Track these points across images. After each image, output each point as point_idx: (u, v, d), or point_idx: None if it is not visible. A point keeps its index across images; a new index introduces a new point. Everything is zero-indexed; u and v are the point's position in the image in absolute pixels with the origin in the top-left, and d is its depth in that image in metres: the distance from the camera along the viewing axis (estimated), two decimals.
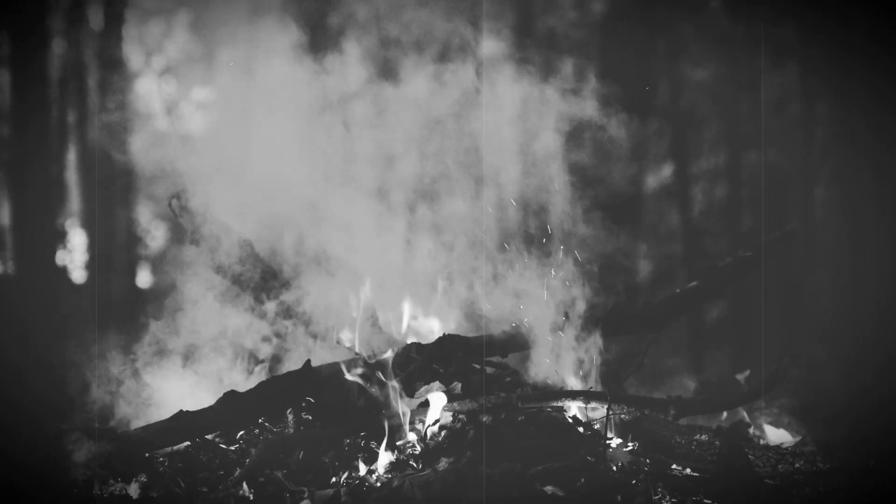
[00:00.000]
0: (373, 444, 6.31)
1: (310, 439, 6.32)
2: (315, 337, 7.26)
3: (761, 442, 7.25)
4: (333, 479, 6.08)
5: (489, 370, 7.04)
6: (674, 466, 6.23)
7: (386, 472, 6.10)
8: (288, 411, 6.54)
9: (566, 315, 7.17)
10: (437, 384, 6.73)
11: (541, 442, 6.19)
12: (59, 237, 13.33)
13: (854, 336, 12.15)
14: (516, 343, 7.12)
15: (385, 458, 6.19)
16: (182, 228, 7.51)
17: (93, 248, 13.39)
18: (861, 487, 6.20)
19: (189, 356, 7.31)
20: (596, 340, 7.24)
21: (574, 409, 6.64)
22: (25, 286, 12.81)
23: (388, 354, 6.77)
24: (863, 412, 8.48)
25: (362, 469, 6.13)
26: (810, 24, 12.92)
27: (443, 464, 5.96)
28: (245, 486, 5.96)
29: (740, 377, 7.67)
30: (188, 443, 6.48)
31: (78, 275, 13.34)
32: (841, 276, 12.97)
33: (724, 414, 7.65)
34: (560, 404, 6.60)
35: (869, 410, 8.53)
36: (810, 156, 13.66)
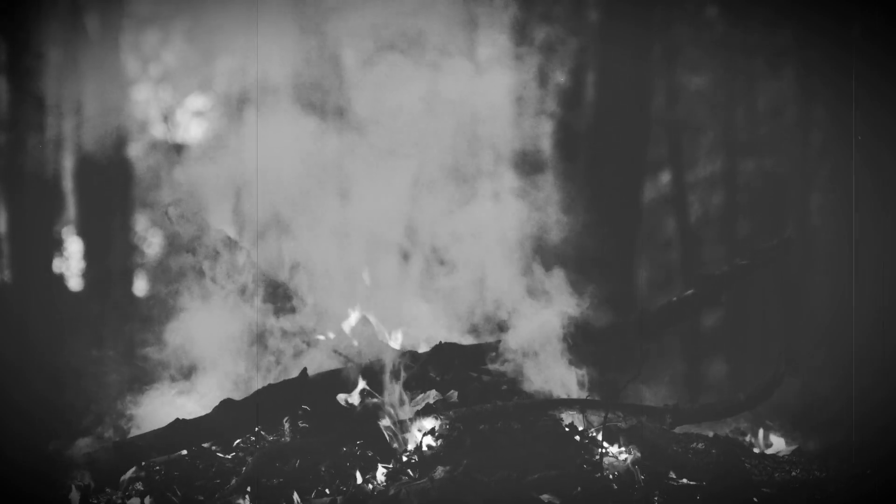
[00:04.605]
0: (369, 453, 6.31)
1: (306, 448, 6.32)
2: (312, 345, 7.27)
3: (757, 450, 7.24)
4: (329, 489, 6.08)
5: (486, 378, 7.04)
6: (671, 475, 6.24)
7: (382, 481, 6.10)
8: (284, 419, 6.54)
9: (564, 323, 7.18)
10: (433, 392, 6.74)
11: (537, 450, 6.19)
12: (56, 245, 13.31)
13: (851, 341, 12.14)
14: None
15: (381, 466, 6.19)
16: (178, 237, 7.51)
17: (89, 255, 13.38)
18: (857, 494, 6.20)
19: (186, 363, 7.31)
20: (593, 348, 7.25)
21: (571, 417, 6.64)
22: (22, 294, 12.79)
23: (386, 362, 6.79)
24: (859, 418, 8.49)
25: (359, 477, 6.13)
26: (808, 24, 12.92)
27: (439, 472, 5.96)
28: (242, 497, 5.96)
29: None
30: (185, 451, 6.47)
31: (74, 282, 13.32)
32: (839, 280, 12.96)
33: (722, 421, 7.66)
34: (557, 412, 6.60)
35: (865, 416, 8.54)
36: (808, 159, 13.65)
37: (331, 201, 7.38)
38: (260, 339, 7.27)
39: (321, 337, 7.24)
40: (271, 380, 7.10)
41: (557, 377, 7.03)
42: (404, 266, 7.33)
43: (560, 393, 6.96)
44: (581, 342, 7.29)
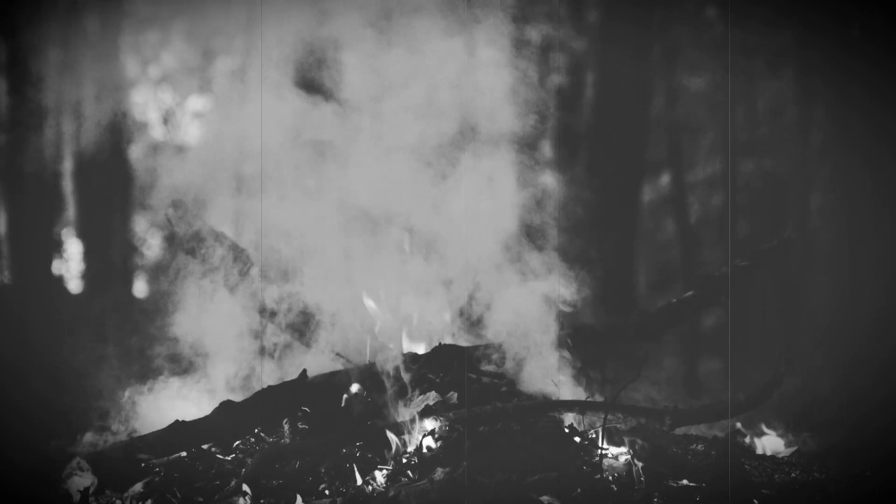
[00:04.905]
0: (369, 454, 6.31)
1: (306, 449, 6.32)
2: (311, 346, 7.27)
3: (757, 451, 7.24)
4: (328, 491, 6.08)
5: (485, 380, 7.04)
6: (670, 476, 6.24)
7: (382, 482, 6.10)
8: (284, 421, 6.54)
9: (562, 325, 7.18)
10: (433, 394, 6.73)
11: (537, 452, 6.19)
12: (55, 246, 13.34)
13: (851, 341, 12.16)
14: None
15: (381, 467, 6.19)
16: (178, 238, 7.51)
17: (89, 257, 13.39)
18: (857, 495, 6.20)
19: (185, 366, 7.31)
20: (591, 350, 7.25)
21: (570, 418, 6.64)
22: (21, 295, 12.81)
23: (385, 364, 6.79)
24: (859, 419, 8.50)
25: (358, 479, 6.13)
26: (808, 24, 12.93)
27: (438, 473, 5.96)
28: (242, 496, 5.96)
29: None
30: (184, 452, 6.47)
31: (74, 284, 13.34)
32: (838, 280, 12.97)
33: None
34: (556, 414, 6.60)
35: (865, 417, 8.55)
36: (808, 160, 13.66)
37: (331, 197, 7.38)
38: (261, 336, 7.27)
39: (321, 338, 7.25)
40: (272, 375, 7.11)
41: (558, 378, 7.03)
42: (402, 260, 7.33)
43: (554, 387, 6.96)
44: (581, 343, 7.29)
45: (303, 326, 7.25)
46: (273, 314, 7.25)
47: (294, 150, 7.34)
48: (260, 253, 7.30)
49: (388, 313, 7.25)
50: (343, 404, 6.52)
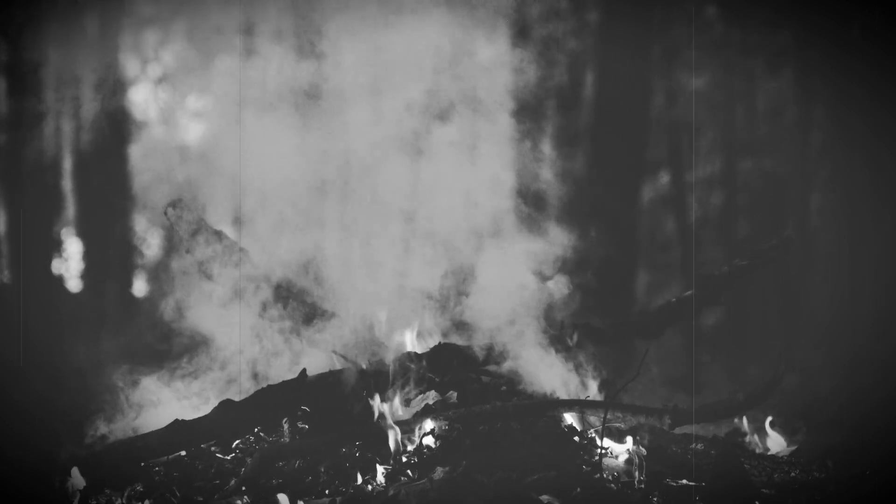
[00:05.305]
0: (369, 453, 6.31)
1: (305, 448, 6.31)
2: (311, 345, 7.26)
3: (757, 451, 7.24)
4: (328, 490, 6.08)
5: (485, 379, 7.04)
6: (669, 476, 6.24)
7: (382, 481, 6.09)
8: (283, 420, 6.54)
9: (562, 324, 7.18)
10: (433, 393, 6.74)
11: (536, 451, 6.19)
12: (55, 246, 13.35)
13: (851, 341, 12.16)
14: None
15: (381, 466, 6.19)
16: (178, 237, 7.50)
17: (89, 256, 13.40)
18: (857, 495, 6.20)
19: (184, 364, 7.31)
20: (592, 349, 7.25)
21: (570, 418, 6.64)
22: (21, 295, 12.81)
23: (385, 363, 6.79)
24: (858, 419, 8.50)
25: (358, 478, 6.13)
26: (808, 24, 12.94)
27: (438, 473, 5.96)
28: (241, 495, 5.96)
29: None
30: (184, 452, 6.47)
31: (74, 283, 13.34)
32: (838, 280, 12.98)
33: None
34: (556, 413, 6.60)
35: (864, 417, 8.55)
36: (808, 160, 13.67)
37: (330, 195, 7.37)
38: (260, 336, 7.28)
39: (320, 337, 7.25)
40: (272, 372, 7.11)
41: (557, 377, 7.03)
42: (403, 256, 7.33)
43: (553, 386, 6.97)
44: (581, 342, 7.29)
45: (303, 323, 7.25)
46: (273, 309, 7.25)
47: (294, 147, 7.35)
48: (262, 250, 7.31)
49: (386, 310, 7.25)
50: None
